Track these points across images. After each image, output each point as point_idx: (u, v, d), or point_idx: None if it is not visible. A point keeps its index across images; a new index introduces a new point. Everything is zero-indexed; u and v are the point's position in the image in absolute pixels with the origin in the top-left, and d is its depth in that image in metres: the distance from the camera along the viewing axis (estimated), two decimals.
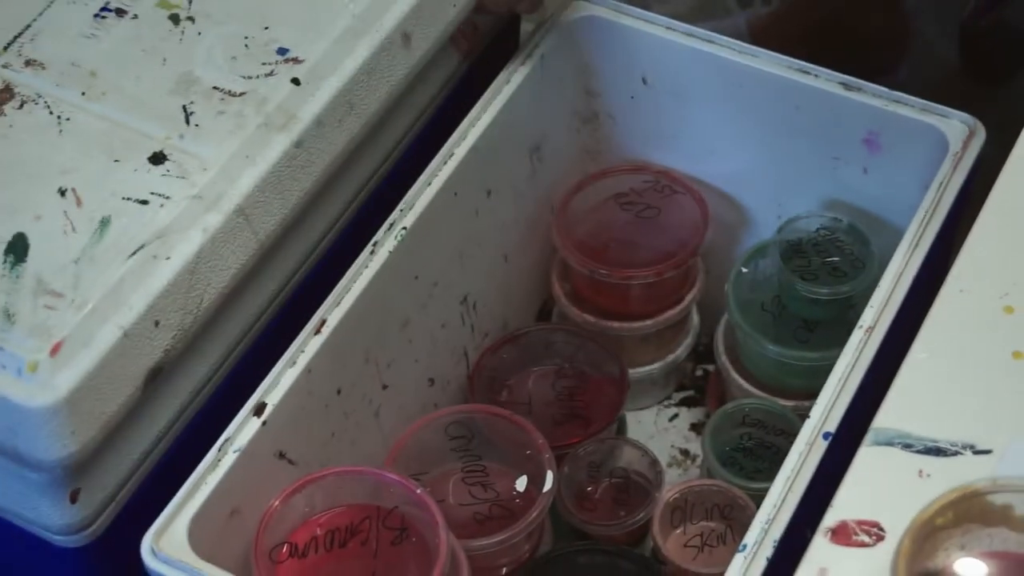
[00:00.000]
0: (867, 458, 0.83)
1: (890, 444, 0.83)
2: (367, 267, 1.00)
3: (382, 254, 1.01)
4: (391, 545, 0.93)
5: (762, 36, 1.44)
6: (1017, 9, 1.38)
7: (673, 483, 1.12)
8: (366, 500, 0.95)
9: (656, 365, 1.22)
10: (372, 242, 1.01)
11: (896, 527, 0.78)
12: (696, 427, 1.24)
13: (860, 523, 0.79)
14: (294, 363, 0.95)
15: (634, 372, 1.20)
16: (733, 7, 1.52)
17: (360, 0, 1.04)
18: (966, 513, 0.74)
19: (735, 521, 1.07)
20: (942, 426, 0.84)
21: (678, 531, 1.09)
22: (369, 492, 0.95)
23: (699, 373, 1.28)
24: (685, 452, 1.22)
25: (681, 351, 1.23)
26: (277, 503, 0.92)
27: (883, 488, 0.81)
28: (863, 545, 0.78)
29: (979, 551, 0.75)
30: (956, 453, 0.82)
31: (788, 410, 1.11)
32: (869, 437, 0.83)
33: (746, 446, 1.12)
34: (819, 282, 1.09)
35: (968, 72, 1.43)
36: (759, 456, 1.11)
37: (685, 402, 1.26)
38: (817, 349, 1.10)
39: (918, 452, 0.82)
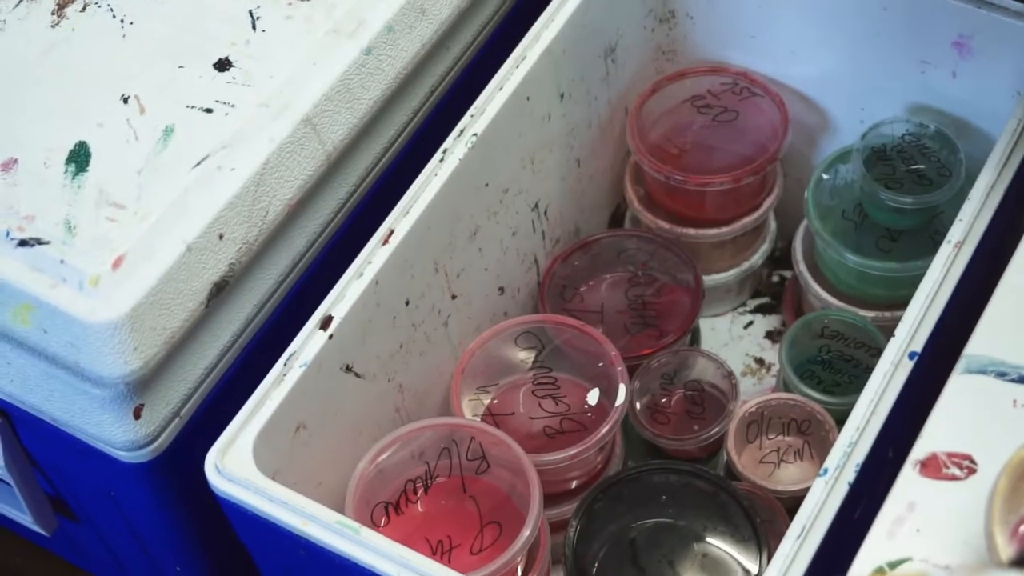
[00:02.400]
0: (958, 387, 0.80)
1: (983, 372, 0.80)
2: (436, 175, 0.97)
3: (451, 161, 0.98)
4: (476, 476, 0.93)
5: None
6: None
7: (748, 394, 1.09)
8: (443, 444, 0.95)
9: (731, 272, 1.19)
10: (442, 149, 0.98)
11: (989, 461, 0.75)
12: (771, 335, 1.21)
13: (951, 455, 0.76)
14: (361, 275, 0.93)
15: (709, 279, 1.17)
16: None
17: None
18: None
19: (812, 436, 1.05)
20: None
21: (753, 446, 1.06)
22: (444, 436, 0.95)
23: (775, 279, 1.24)
24: (760, 361, 1.20)
25: (757, 258, 1.19)
26: (366, 467, 0.92)
27: (975, 419, 0.78)
28: (954, 479, 0.75)
29: None
30: None
31: (868, 322, 1.08)
32: (960, 364, 0.80)
33: (825, 358, 1.09)
34: (904, 190, 1.06)
35: None
36: (838, 369, 1.08)
37: (760, 309, 1.23)
38: (900, 259, 1.06)
39: (1013, 381, 0.79)
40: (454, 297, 1.03)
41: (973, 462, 0.75)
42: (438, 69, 1.03)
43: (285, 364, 0.89)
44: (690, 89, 1.16)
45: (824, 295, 1.12)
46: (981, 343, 0.81)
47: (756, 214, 1.15)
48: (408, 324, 0.99)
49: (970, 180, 0.96)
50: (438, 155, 0.98)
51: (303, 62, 0.94)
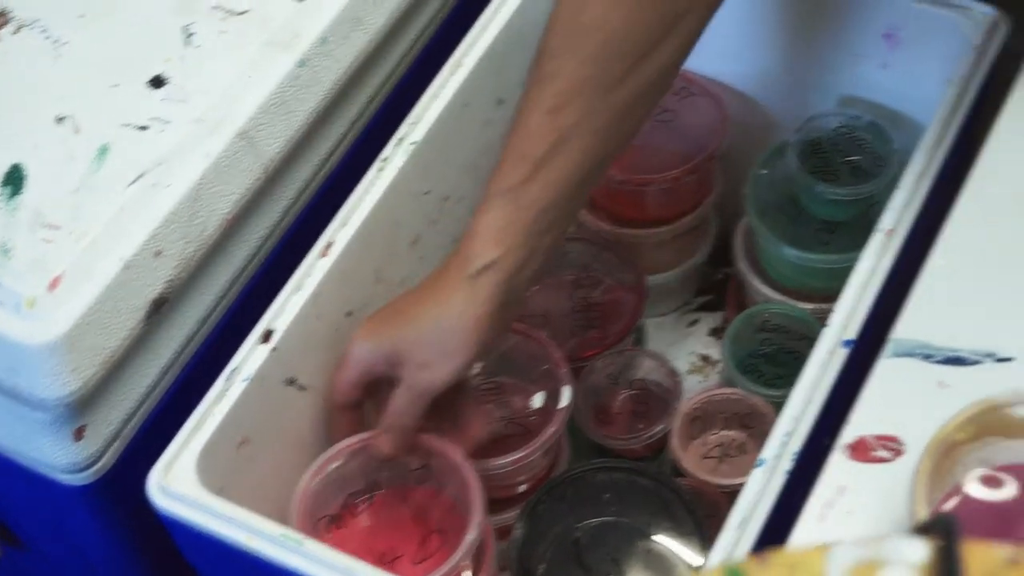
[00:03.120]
0: (886, 370, 0.81)
1: (910, 355, 0.81)
2: (375, 185, 0.98)
3: (391, 171, 0.99)
4: (419, 485, 0.94)
5: None
6: None
7: (694, 391, 1.10)
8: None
9: (674, 271, 1.20)
10: (380, 159, 0.99)
11: (916, 441, 0.76)
12: (716, 332, 1.22)
13: (879, 438, 0.77)
14: (301, 287, 0.93)
15: (652, 279, 1.18)
16: None
17: None
18: (987, 427, 0.72)
19: (755, 429, 1.06)
20: (963, 334, 0.82)
21: (697, 442, 1.07)
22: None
23: (719, 277, 1.26)
24: (705, 358, 1.21)
25: (699, 256, 1.21)
26: (309, 482, 0.92)
27: (902, 401, 0.79)
28: (882, 461, 0.76)
29: (1001, 464, 0.73)
30: (977, 362, 0.80)
31: (808, 314, 1.09)
32: (888, 348, 0.81)
33: (767, 352, 1.10)
34: (839, 182, 1.07)
35: None
36: (780, 362, 1.09)
37: (705, 307, 1.24)
38: (838, 251, 1.08)
39: (938, 363, 0.80)
40: None
41: (901, 444, 0.77)
42: (375, 78, 1.04)
43: (227, 379, 0.90)
44: None
45: (765, 290, 1.13)
46: (907, 327, 0.82)
47: (696, 212, 1.16)
48: (350, 336, 0.99)
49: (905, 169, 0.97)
50: (377, 164, 0.99)
51: (238, 76, 0.94)
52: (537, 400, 1.03)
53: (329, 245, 0.95)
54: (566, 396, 1.01)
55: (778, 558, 0.45)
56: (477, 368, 1.05)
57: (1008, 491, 0.71)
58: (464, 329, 0.87)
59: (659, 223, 1.16)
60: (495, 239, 0.86)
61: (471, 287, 0.87)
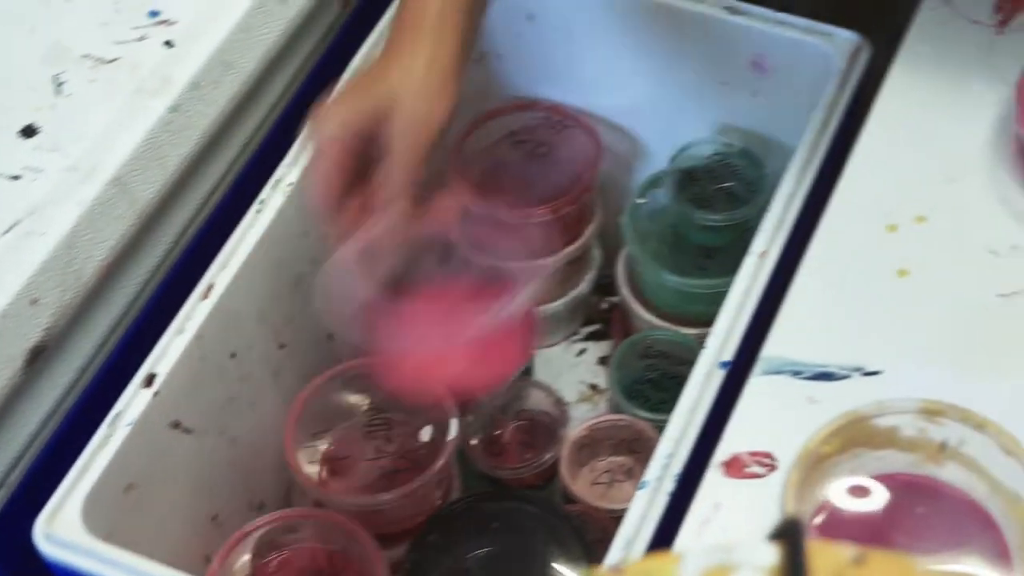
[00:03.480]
0: (757, 388, 0.83)
1: (779, 372, 0.83)
2: (254, 227, 0.99)
3: (269, 212, 0.99)
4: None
5: None
6: None
7: (583, 419, 1.11)
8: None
9: (560, 301, 1.21)
10: (258, 200, 0.99)
11: (788, 456, 0.78)
12: (604, 361, 1.24)
13: (752, 454, 0.79)
14: (183, 330, 0.94)
15: (538, 310, 1.19)
16: None
17: None
18: (853, 438, 0.74)
19: (642, 454, 1.07)
20: (831, 350, 0.84)
21: (586, 468, 1.08)
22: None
23: (605, 306, 1.27)
24: (594, 387, 1.22)
25: (584, 286, 1.22)
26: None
27: (774, 417, 0.81)
28: (756, 476, 0.78)
29: (869, 474, 0.75)
30: (845, 377, 0.82)
31: (691, 339, 1.10)
32: (758, 367, 0.83)
33: (651, 377, 1.12)
34: (714, 208, 1.09)
35: None
36: (664, 387, 1.11)
37: (592, 336, 1.26)
38: (717, 276, 1.09)
39: (808, 379, 0.82)
40: (282, 347, 1.04)
41: (773, 459, 0.78)
42: (251, 121, 1.05)
43: (110, 425, 0.90)
44: (506, 126, 1.19)
45: (648, 317, 1.15)
46: (777, 345, 0.84)
47: (578, 243, 1.18)
48: (236, 377, 1.00)
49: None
50: (255, 206, 0.99)
51: (110, 123, 0.95)
52: (425, 434, 1.04)
53: (210, 287, 0.95)
54: (453, 429, 1.01)
55: (633, 568, 0.46)
56: (364, 404, 1.06)
57: (875, 500, 0.73)
58: (443, 68, 0.86)
59: (543, 255, 1.17)
60: None
61: (435, 31, 0.86)
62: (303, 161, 1.01)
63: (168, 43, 0.99)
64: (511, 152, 1.19)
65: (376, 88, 0.86)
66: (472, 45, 0.89)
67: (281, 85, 1.07)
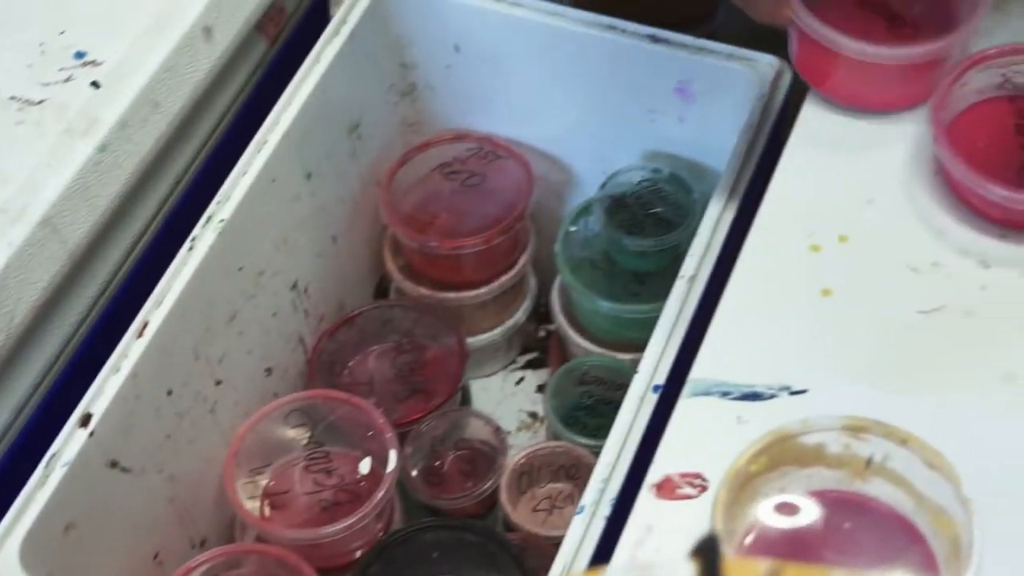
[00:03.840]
0: (687, 409, 0.84)
1: (708, 393, 0.84)
2: (187, 264, 0.99)
3: (201, 249, 1.00)
4: None
5: None
6: None
7: (523, 447, 1.12)
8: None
9: (497, 331, 1.22)
10: (190, 238, 1.00)
11: (719, 476, 0.79)
12: (543, 388, 1.24)
13: (683, 476, 0.80)
14: (118, 369, 0.94)
15: (476, 340, 1.20)
16: None
17: None
18: (780, 456, 0.75)
19: (582, 480, 1.08)
20: (758, 370, 0.85)
21: (526, 496, 1.09)
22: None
23: (542, 334, 1.28)
24: (533, 415, 1.23)
25: (520, 315, 1.23)
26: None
27: (704, 438, 0.82)
28: (687, 497, 0.79)
29: (798, 492, 0.76)
30: (773, 396, 0.83)
31: (626, 364, 1.11)
32: (687, 388, 0.84)
33: (588, 404, 1.13)
34: (644, 234, 1.10)
35: None
36: (601, 413, 1.12)
37: (530, 364, 1.27)
38: (649, 301, 1.11)
39: (736, 399, 0.83)
40: (219, 383, 1.05)
41: (704, 480, 0.79)
42: (181, 159, 1.05)
43: (46, 466, 0.90)
44: (437, 157, 1.20)
45: (584, 343, 1.16)
46: (705, 366, 0.85)
47: (512, 272, 1.19)
48: (173, 414, 1.00)
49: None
50: (187, 244, 1.00)
51: (38, 165, 0.95)
52: (365, 466, 1.04)
53: (144, 325, 0.96)
54: (392, 460, 1.02)
55: None
56: (303, 438, 1.07)
57: (804, 518, 0.74)
58: None
59: (477, 285, 1.18)
60: None
61: None
62: (235, 198, 1.02)
63: (95, 84, 0.99)
64: (443, 183, 1.19)
65: None
66: None
67: (210, 123, 1.07)
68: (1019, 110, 0.94)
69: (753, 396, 0.83)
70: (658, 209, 1.12)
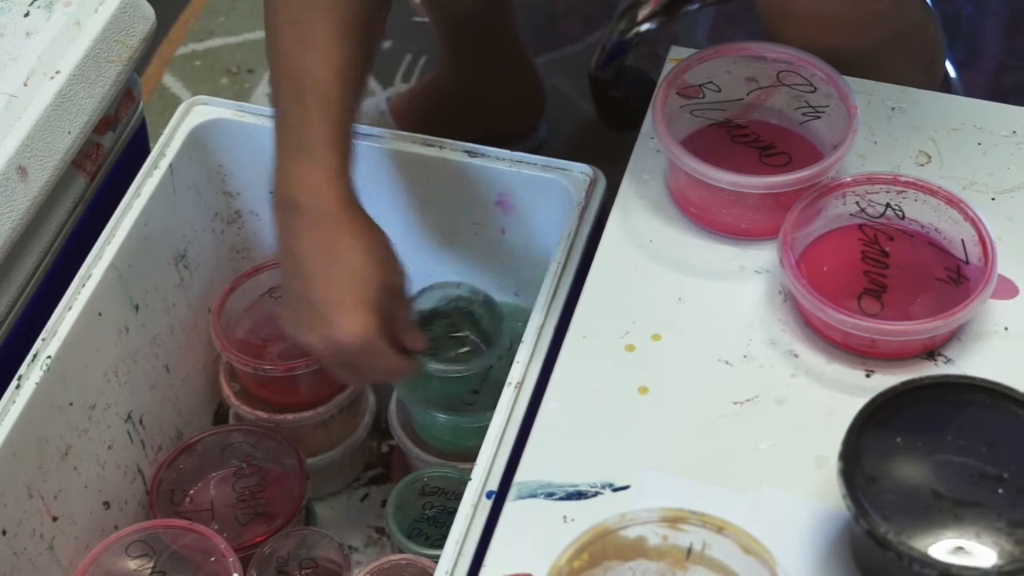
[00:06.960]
0: (514, 512, 0.85)
1: (533, 495, 0.86)
2: (15, 402, 0.99)
3: (28, 387, 1.00)
4: None
5: (404, 114, 1.47)
6: (637, 57, 1.44)
7: (368, 562, 1.13)
8: None
9: (337, 449, 1.22)
10: (17, 376, 1.00)
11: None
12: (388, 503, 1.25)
13: None
14: None
15: (317, 459, 1.20)
16: (375, 87, 1.55)
17: None
18: (602, 551, 0.77)
19: None
20: (581, 469, 0.87)
21: None
22: None
23: (384, 449, 1.29)
24: (380, 529, 1.23)
25: (360, 431, 1.24)
26: None
27: (531, 539, 0.83)
28: None
29: None
30: (597, 494, 0.85)
31: (466, 473, 1.13)
32: (512, 492, 0.86)
33: (430, 515, 1.13)
34: (439, 358, 1.11)
35: (603, 120, 1.48)
36: (443, 523, 1.13)
37: (374, 480, 1.27)
38: (484, 409, 1.12)
39: (561, 499, 0.85)
40: (55, 519, 1.04)
41: None
42: (5, 297, 1.05)
43: None
44: (267, 282, 1.21)
45: (425, 456, 1.17)
46: (529, 469, 0.87)
47: (348, 391, 1.20)
48: (9, 553, 0.99)
49: (518, 341, 1.01)
50: (14, 382, 0.99)
51: None
52: None
53: None
54: None
55: None
56: (147, 568, 1.06)
57: None
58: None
59: (314, 405, 1.19)
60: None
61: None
62: (60, 334, 1.02)
63: None
64: (274, 308, 1.20)
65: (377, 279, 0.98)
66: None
67: (34, 259, 1.08)
68: (868, 237, 0.95)
69: (577, 495, 0.85)
70: (463, 333, 1.13)
